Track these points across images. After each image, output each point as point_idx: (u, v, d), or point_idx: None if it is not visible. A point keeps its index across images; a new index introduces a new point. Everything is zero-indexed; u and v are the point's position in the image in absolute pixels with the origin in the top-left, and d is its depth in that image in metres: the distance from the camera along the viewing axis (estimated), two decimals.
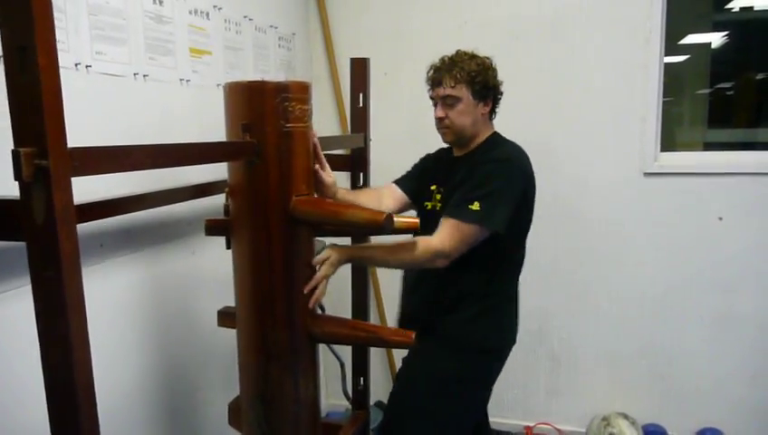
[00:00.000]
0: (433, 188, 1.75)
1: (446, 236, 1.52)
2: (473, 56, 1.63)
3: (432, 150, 1.88)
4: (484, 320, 1.69)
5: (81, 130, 1.17)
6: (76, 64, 1.42)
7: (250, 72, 2.25)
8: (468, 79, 1.59)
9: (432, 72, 1.66)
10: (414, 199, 1.83)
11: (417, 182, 1.84)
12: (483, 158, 1.63)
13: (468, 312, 1.67)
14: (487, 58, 1.65)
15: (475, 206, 1.51)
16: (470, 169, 1.60)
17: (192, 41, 1.87)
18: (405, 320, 1.82)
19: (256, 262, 1.32)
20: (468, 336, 1.69)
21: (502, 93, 1.69)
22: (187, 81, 1.85)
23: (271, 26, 2.42)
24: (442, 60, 1.65)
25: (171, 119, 1.78)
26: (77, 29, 1.42)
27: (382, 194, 1.82)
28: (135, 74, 1.62)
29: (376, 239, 1.71)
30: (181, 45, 1.82)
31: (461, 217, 1.52)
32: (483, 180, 1.55)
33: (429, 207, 1.75)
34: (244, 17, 2.20)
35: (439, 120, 1.66)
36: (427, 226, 1.54)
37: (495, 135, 1.72)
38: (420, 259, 1.53)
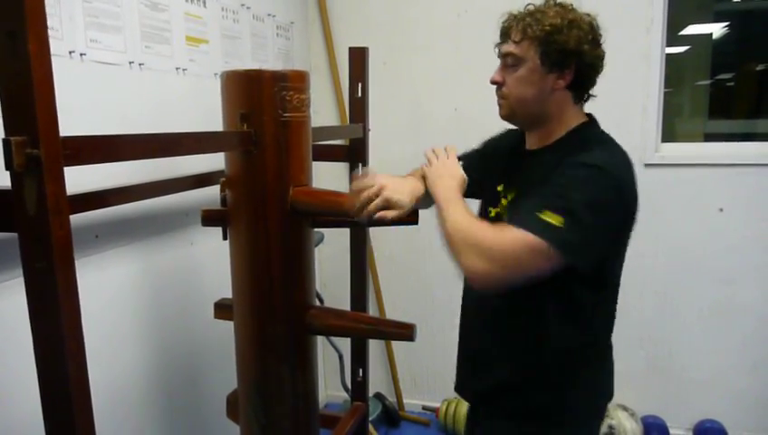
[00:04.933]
0: (500, 189, 1.30)
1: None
2: (562, 7, 1.20)
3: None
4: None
5: (75, 120, 1.15)
6: (70, 52, 1.40)
7: (248, 62, 2.22)
8: (539, 35, 1.16)
9: (504, 21, 1.25)
10: (472, 191, 1.34)
11: (480, 172, 1.37)
12: (571, 160, 1.14)
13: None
14: (587, 14, 1.22)
15: (556, 220, 1.04)
16: (548, 172, 1.14)
17: (188, 29, 1.85)
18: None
19: (254, 253, 1.30)
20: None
21: (594, 66, 1.21)
22: (184, 70, 1.83)
23: (269, 15, 2.39)
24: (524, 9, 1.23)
25: (167, 108, 1.76)
26: (71, 16, 1.39)
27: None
28: (130, 63, 1.60)
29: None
30: (177, 34, 1.79)
31: (531, 227, 1.05)
32: (568, 189, 1.08)
33: (494, 213, 1.31)
34: (242, 5, 2.17)
35: (496, 87, 1.25)
36: None
37: (587, 126, 1.25)
38: (464, 252, 1.09)
